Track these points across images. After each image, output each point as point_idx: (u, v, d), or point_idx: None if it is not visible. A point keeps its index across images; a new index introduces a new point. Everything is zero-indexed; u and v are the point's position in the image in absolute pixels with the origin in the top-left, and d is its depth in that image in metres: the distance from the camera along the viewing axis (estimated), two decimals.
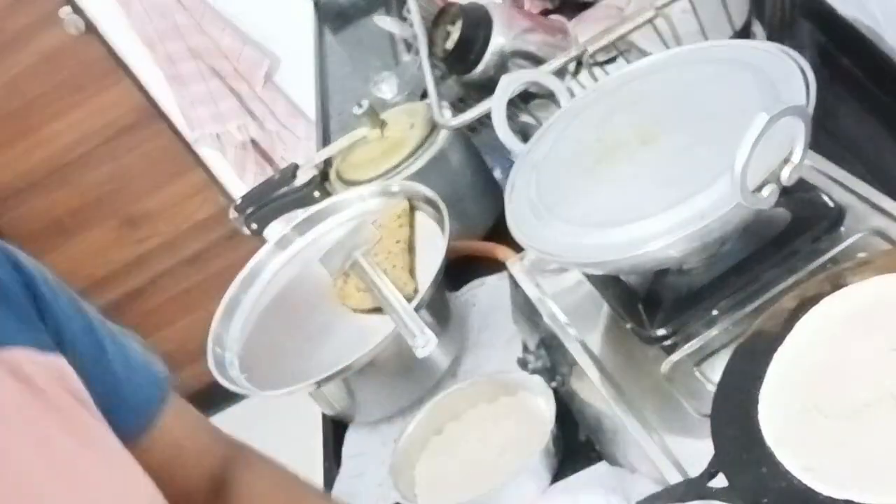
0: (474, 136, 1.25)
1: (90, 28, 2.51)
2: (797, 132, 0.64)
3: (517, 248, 0.85)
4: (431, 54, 1.18)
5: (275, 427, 2.62)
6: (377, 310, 1.04)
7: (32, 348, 0.57)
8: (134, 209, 2.82)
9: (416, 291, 1.03)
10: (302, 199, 1.29)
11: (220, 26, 2.46)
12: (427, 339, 0.92)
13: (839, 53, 0.99)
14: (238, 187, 2.72)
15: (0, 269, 0.59)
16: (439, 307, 1.08)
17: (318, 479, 1.05)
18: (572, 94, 0.91)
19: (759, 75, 0.73)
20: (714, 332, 0.72)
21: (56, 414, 0.56)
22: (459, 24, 1.17)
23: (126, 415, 0.65)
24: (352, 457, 1.06)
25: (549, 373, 0.90)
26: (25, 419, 0.54)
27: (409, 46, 1.60)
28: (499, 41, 1.16)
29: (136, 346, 0.71)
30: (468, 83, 1.22)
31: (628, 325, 0.77)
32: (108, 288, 2.90)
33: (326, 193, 1.27)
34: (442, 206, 1.08)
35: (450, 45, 1.18)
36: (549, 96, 0.94)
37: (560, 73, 1.01)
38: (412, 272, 1.07)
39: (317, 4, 2.24)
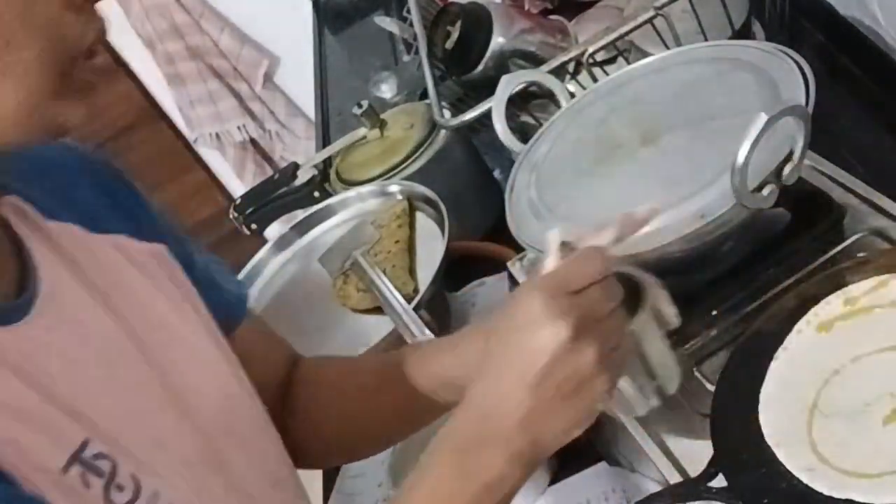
0: (474, 136, 1.25)
1: None
2: (797, 132, 0.64)
3: (517, 248, 0.85)
4: (431, 54, 1.18)
5: None
6: (377, 310, 1.04)
7: (133, 238, 0.66)
8: None
9: (415, 291, 1.03)
10: (302, 199, 1.29)
11: (219, 26, 2.46)
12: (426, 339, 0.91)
13: (839, 53, 0.99)
14: (238, 187, 2.72)
15: (106, 171, 0.70)
16: (439, 307, 1.08)
17: (318, 479, 1.05)
18: (572, 95, 0.91)
19: (759, 75, 0.73)
20: (714, 332, 0.72)
21: (152, 281, 0.65)
22: (459, 24, 1.17)
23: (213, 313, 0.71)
24: None
25: None
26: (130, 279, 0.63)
27: (409, 46, 1.60)
28: (499, 41, 1.16)
29: (221, 268, 0.78)
30: (468, 83, 1.22)
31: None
32: None
33: (326, 193, 1.27)
34: (441, 206, 1.08)
35: (450, 45, 1.18)
36: (549, 96, 0.94)
37: (560, 73, 1.01)
38: (412, 272, 1.07)
39: (316, 4, 2.24)
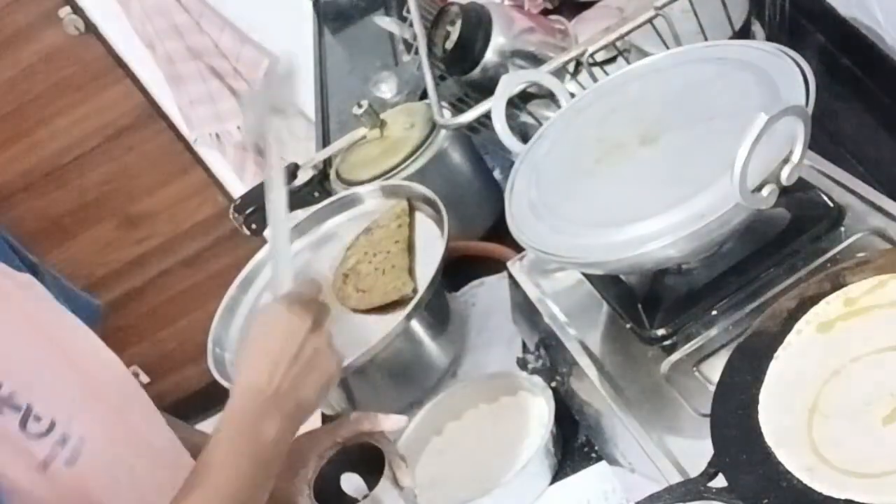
0: (474, 136, 1.25)
1: (90, 28, 2.51)
2: (797, 132, 0.64)
3: (517, 248, 0.85)
4: (431, 54, 1.18)
5: None
6: (377, 310, 1.04)
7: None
8: (134, 209, 2.82)
9: (414, 291, 1.03)
10: (302, 199, 1.29)
11: (219, 26, 2.46)
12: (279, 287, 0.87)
13: (839, 53, 0.99)
14: (238, 187, 2.71)
15: None
16: (439, 307, 1.08)
17: None
18: (572, 95, 0.91)
19: (759, 75, 0.73)
20: (714, 332, 0.72)
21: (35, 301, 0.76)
22: (459, 24, 1.17)
23: None
24: None
25: (549, 373, 0.90)
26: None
27: (409, 46, 1.60)
28: (498, 41, 1.16)
29: (67, 283, 0.89)
30: (468, 83, 1.22)
31: (628, 325, 0.77)
32: (108, 288, 2.90)
33: (326, 193, 1.27)
34: (441, 206, 1.08)
35: (450, 45, 1.18)
36: (549, 96, 0.94)
37: (560, 73, 1.01)
38: (411, 272, 1.07)
39: (317, 4, 2.24)
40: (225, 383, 1.02)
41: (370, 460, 0.81)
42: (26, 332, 0.72)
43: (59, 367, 0.72)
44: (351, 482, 0.85)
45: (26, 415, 0.66)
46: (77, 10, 2.48)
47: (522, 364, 0.91)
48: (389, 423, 0.84)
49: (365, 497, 0.78)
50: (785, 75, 0.72)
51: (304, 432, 0.88)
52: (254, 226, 1.29)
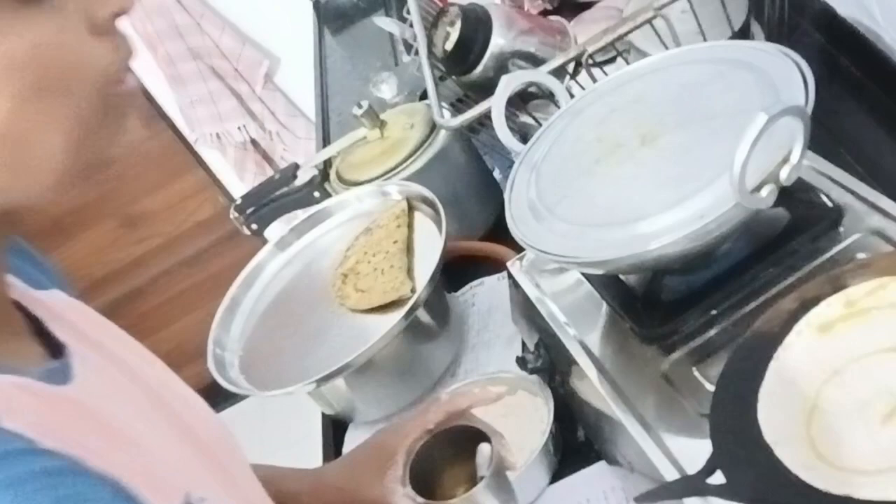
0: (474, 137, 1.25)
1: None
2: (796, 132, 0.64)
3: (517, 248, 0.85)
4: (431, 55, 1.18)
5: (275, 427, 2.63)
6: (377, 310, 1.04)
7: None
8: (134, 209, 2.82)
9: (413, 291, 1.03)
10: (302, 199, 1.29)
11: (219, 26, 2.46)
12: None
13: (839, 53, 0.99)
14: (238, 187, 2.72)
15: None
16: (438, 307, 1.08)
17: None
18: (572, 95, 0.91)
19: (758, 75, 0.73)
20: (713, 332, 0.72)
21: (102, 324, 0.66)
22: (459, 24, 1.17)
23: None
24: None
25: (549, 372, 0.90)
26: None
27: (409, 47, 1.60)
28: (498, 42, 1.17)
29: None
30: (468, 83, 1.22)
31: (627, 325, 0.77)
32: (108, 288, 2.90)
33: (326, 194, 1.28)
34: (439, 206, 1.08)
35: (449, 45, 1.19)
36: (549, 96, 0.94)
37: (559, 73, 1.01)
38: (410, 272, 1.07)
39: (316, 5, 2.24)
40: (224, 384, 1.03)
41: (468, 441, 0.74)
42: (142, 401, 0.60)
43: (179, 441, 0.61)
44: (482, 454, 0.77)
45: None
46: None
47: (522, 364, 0.91)
48: (491, 395, 0.77)
49: (481, 479, 0.71)
50: (785, 75, 0.72)
51: (385, 427, 0.84)
52: (254, 226, 1.30)
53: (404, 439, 0.77)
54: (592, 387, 0.77)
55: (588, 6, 1.34)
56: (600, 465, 0.86)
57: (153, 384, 0.63)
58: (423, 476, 0.75)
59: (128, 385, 0.60)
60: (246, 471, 0.69)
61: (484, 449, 0.73)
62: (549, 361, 0.89)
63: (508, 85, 0.90)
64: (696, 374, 0.70)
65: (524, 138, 0.88)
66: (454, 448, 0.75)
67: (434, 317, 1.06)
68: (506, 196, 0.82)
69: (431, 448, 0.75)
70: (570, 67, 1.04)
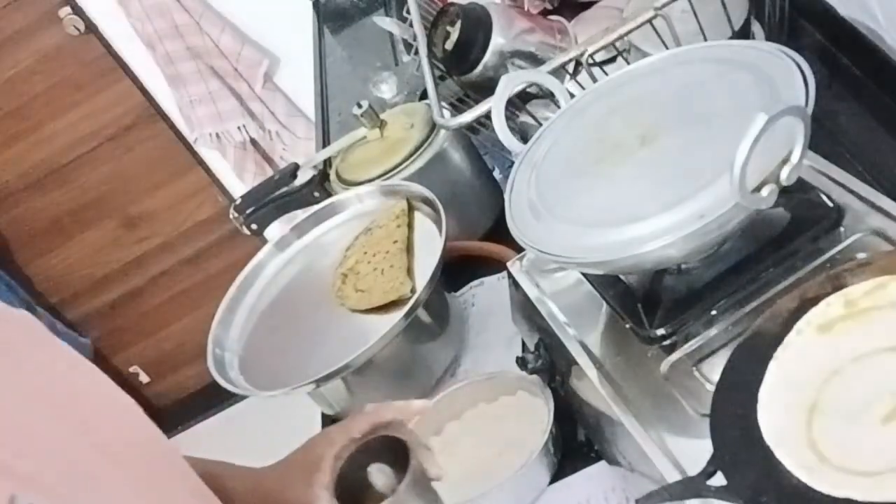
0: (474, 136, 1.25)
1: (90, 28, 2.51)
2: (796, 132, 0.64)
3: (517, 248, 0.85)
4: (431, 54, 1.18)
5: (275, 427, 2.62)
6: (377, 310, 1.04)
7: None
8: (134, 209, 2.82)
9: (413, 291, 1.03)
10: (302, 199, 1.29)
11: (219, 26, 2.46)
12: None
13: (839, 53, 0.99)
14: (238, 187, 2.71)
15: None
16: (438, 307, 1.08)
17: None
18: (572, 95, 0.91)
19: (758, 75, 0.73)
20: (713, 332, 0.72)
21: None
22: (459, 24, 1.17)
23: None
24: None
25: (549, 372, 0.90)
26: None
27: (409, 46, 1.60)
28: (498, 41, 1.17)
29: (56, 321, 0.80)
30: (468, 83, 1.22)
31: (627, 325, 0.77)
32: (108, 288, 2.90)
33: (326, 193, 1.27)
34: (439, 206, 1.08)
35: (449, 45, 1.19)
36: (549, 96, 0.94)
37: (559, 73, 1.01)
38: (410, 272, 1.07)
39: (316, 4, 2.24)
40: (224, 384, 1.03)
41: (394, 451, 0.75)
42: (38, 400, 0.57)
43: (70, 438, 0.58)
44: (383, 472, 0.78)
45: None
46: (77, 10, 2.49)
47: (522, 364, 0.91)
48: (413, 409, 0.79)
49: (393, 492, 0.73)
50: (785, 75, 0.72)
51: (316, 434, 0.85)
52: (254, 226, 1.30)
53: (330, 447, 0.79)
54: (592, 387, 0.77)
55: (588, 6, 1.34)
56: (600, 465, 0.86)
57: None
58: (352, 484, 0.77)
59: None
60: (178, 475, 0.66)
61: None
62: (549, 362, 0.89)
63: (508, 85, 0.90)
64: (696, 374, 0.70)
65: (524, 138, 0.88)
66: (385, 458, 0.77)
67: (434, 317, 1.06)
68: (506, 196, 0.81)
69: (362, 457, 0.77)
70: (570, 67, 1.04)
